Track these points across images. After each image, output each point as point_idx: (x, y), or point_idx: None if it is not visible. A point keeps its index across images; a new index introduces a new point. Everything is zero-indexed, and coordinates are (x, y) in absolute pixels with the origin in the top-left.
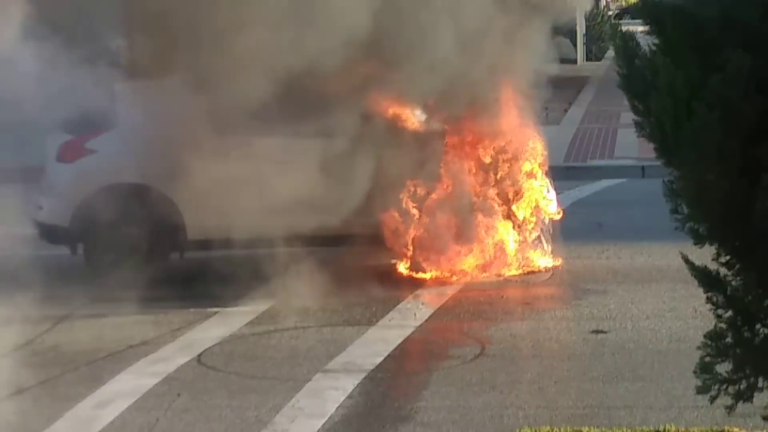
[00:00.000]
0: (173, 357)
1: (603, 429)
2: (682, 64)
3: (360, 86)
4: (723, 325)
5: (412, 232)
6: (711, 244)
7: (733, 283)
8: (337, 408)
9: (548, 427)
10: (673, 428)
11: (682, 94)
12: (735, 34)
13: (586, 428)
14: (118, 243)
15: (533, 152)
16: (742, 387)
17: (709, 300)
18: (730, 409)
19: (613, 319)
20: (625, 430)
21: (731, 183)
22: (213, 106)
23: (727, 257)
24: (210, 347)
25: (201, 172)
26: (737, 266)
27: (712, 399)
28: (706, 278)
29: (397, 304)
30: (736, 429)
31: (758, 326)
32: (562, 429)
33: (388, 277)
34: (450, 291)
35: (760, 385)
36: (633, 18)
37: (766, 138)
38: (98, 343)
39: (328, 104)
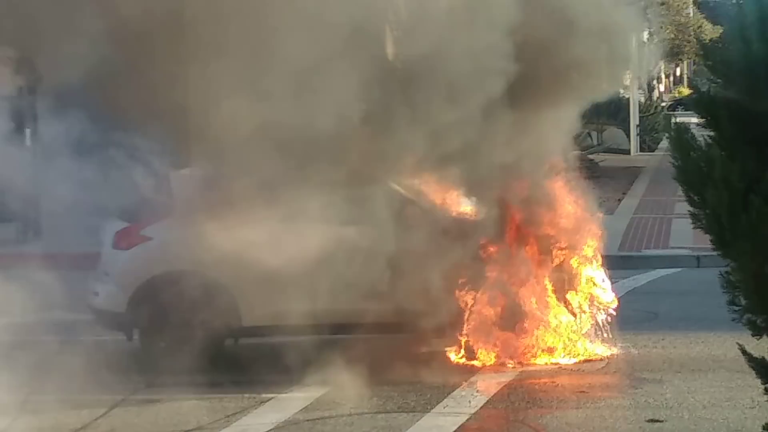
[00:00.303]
0: None
1: None
2: (738, 157)
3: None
4: None
5: (465, 319)
6: None
7: None
8: None
9: None
10: None
11: (738, 186)
12: None
13: None
14: (173, 329)
15: (588, 241)
16: None
17: (767, 391)
18: None
19: (670, 408)
20: None
21: None
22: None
23: None
24: None
25: (254, 259)
26: None
27: None
28: (763, 369)
29: (452, 391)
30: None
31: None
32: None
33: (442, 364)
34: (504, 378)
35: None
36: (687, 110)
37: None
38: (153, 427)
39: (370, 189)
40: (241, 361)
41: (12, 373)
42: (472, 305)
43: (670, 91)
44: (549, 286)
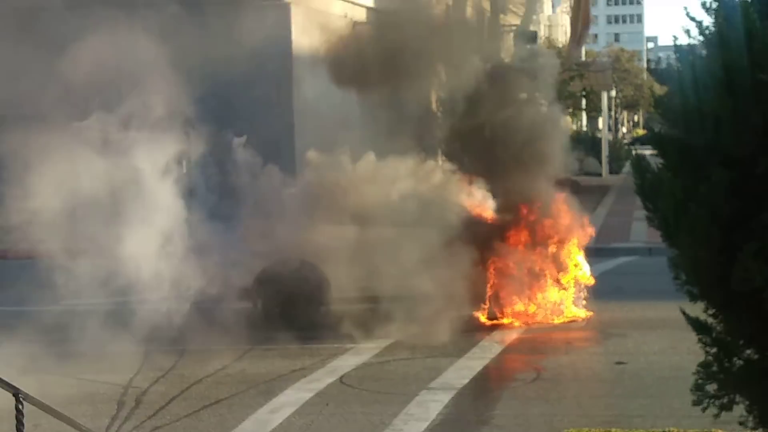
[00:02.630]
0: (323, 378)
1: (625, 430)
2: (680, 177)
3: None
4: (710, 358)
5: (488, 291)
6: (702, 301)
7: (717, 328)
8: (437, 414)
9: (586, 429)
10: (675, 430)
11: (680, 197)
12: (716, 156)
13: (614, 429)
14: (284, 300)
15: (575, 235)
16: (724, 401)
17: (700, 341)
18: (716, 416)
19: (631, 354)
20: (640, 431)
21: (716, 259)
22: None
23: (713, 311)
24: (349, 371)
25: (340, 251)
26: (720, 317)
27: (704, 410)
28: (698, 325)
29: (479, 342)
30: (720, 431)
31: (735, 359)
32: (595, 430)
33: (472, 323)
34: (516, 333)
35: (737, 400)
36: (643, 144)
37: (740, 228)
38: (271, 368)
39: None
40: (332, 321)
41: (165, 330)
42: (493, 282)
43: (630, 132)
44: (548, 267)
